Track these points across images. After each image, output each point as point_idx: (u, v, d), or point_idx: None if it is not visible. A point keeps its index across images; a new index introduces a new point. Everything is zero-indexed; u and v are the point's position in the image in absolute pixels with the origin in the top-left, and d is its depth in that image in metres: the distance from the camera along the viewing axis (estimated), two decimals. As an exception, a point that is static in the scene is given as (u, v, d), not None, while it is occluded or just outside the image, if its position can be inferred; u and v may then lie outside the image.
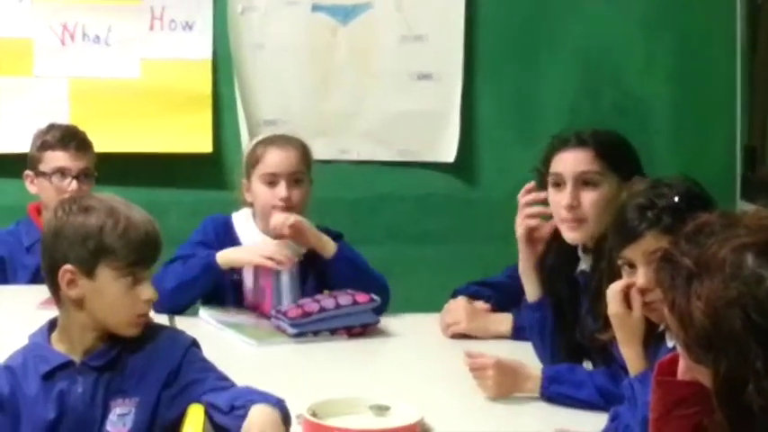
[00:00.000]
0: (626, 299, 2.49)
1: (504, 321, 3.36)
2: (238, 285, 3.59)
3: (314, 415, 2.45)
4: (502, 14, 4.73)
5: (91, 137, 4.00)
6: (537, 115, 4.73)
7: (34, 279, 3.65)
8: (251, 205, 3.65)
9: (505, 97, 4.77)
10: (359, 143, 4.74)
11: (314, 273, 3.59)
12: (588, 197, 2.92)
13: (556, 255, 3.03)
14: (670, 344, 2.42)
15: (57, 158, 3.89)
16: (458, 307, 3.41)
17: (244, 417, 2.32)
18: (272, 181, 3.56)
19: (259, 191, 3.59)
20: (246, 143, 4.52)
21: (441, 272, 4.43)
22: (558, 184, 2.97)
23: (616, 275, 2.53)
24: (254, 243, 3.57)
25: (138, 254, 2.42)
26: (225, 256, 3.52)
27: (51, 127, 3.99)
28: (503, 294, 3.40)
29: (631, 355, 2.51)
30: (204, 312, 3.53)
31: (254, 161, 3.61)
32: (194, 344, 2.53)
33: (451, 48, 4.72)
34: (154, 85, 4.61)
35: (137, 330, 2.47)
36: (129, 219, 2.42)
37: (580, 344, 2.88)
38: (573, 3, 4.75)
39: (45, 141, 3.93)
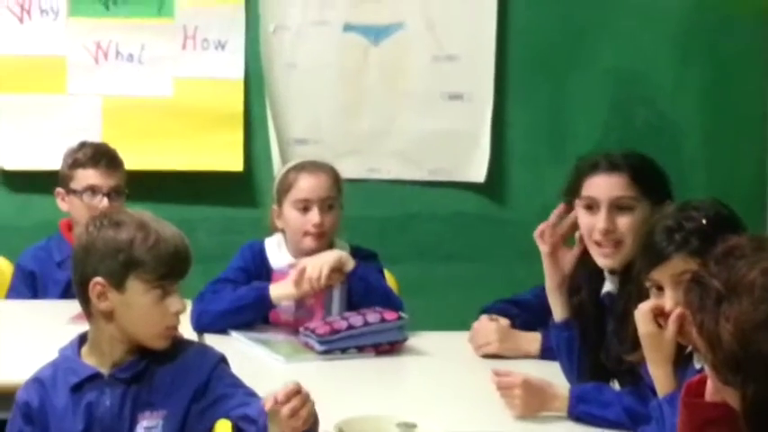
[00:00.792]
0: (655, 318, 2.48)
1: (534, 341, 3.35)
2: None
3: (341, 432, 2.46)
4: (533, 34, 4.73)
5: (122, 154, 4.03)
6: (568, 135, 4.73)
7: (65, 294, 3.68)
8: (282, 231, 3.66)
9: (536, 117, 4.77)
10: (389, 162, 4.74)
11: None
12: (623, 222, 2.91)
13: (582, 276, 3.03)
14: (698, 365, 2.41)
15: (88, 176, 3.91)
16: (487, 327, 3.40)
17: None
18: (305, 207, 3.58)
19: (291, 216, 3.60)
20: (277, 162, 4.55)
21: (469, 291, 4.42)
22: (591, 207, 2.96)
23: (643, 298, 2.53)
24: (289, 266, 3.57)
25: (168, 267, 2.44)
26: (276, 292, 3.52)
27: (82, 145, 4.01)
28: (530, 313, 3.39)
29: (660, 375, 2.50)
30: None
31: (286, 187, 3.63)
32: (223, 360, 2.55)
33: (483, 68, 4.72)
34: (186, 104, 4.63)
35: (165, 343, 2.48)
36: (158, 233, 2.45)
37: (606, 365, 2.87)
38: (604, 22, 4.74)
39: (76, 159, 3.95)
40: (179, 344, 2.53)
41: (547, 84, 4.76)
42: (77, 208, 3.91)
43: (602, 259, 2.94)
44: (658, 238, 2.48)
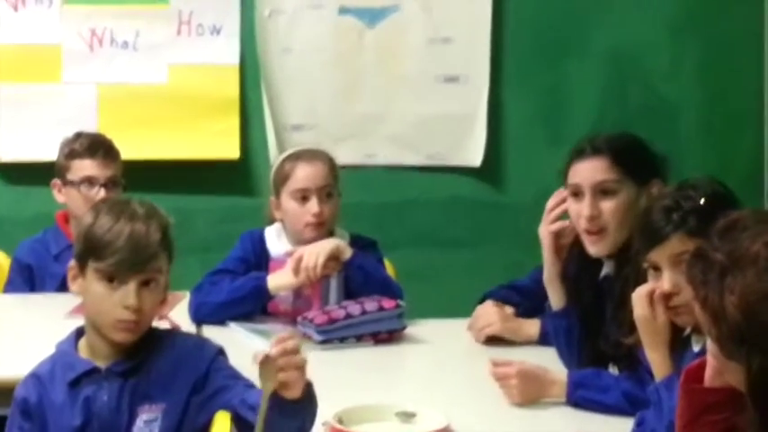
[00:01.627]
0: (651, 302, 2.48)
1: (535, 325, 3.35)
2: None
3: (340, 422, 2.46)
4: (529, 16, 4.72)
5: (118, 143, 4.01)
6: (564, 118, 4.72)
7: (62, 287, 3.64)
8: (280, 222, 3.65)
9: (533, 100, 4.76)
10: (386, 147, 4.74)
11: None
12: (607, 206, 2.93)
13: (578, 262, 3.03)
14: (696, 348, 2.42)
15: (84, 167, 3.90)
16: (489, 311, 3.39)
17: None
18: (303, 196, 3.57)
19: (290, 207, 3.59)
20: (273, 148, 4.54)
21: (467, 276, 4.43)
22: (577, 195, 2.98)
23: (641, 280, 2.52)
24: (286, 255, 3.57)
25: (117, 258, 2.39)
26: (274, 282, 3.52)
27: (78, 135, 3.99)
28: (531, 300, 3.39)
29: (657, 358, 2.50)
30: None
31: (282, 178, 3.61)
32: (221, 352, 2.54)
33: (479, 50, 4.71)
34: (181, 91, 4.62)
35: (123, 336, 2.42)
36: (120, 222, 2.40)
37: (605, 350, 2.87)
38: (600, 4, 4.73)
39: (72, 150, 3.93)
40: (176, 337, 2.53)
41: (543, 66, 4.75)
42: (74, 199, 3.89)
43: (591, 247, 2.96)
44: (656, 217, 2.47)
